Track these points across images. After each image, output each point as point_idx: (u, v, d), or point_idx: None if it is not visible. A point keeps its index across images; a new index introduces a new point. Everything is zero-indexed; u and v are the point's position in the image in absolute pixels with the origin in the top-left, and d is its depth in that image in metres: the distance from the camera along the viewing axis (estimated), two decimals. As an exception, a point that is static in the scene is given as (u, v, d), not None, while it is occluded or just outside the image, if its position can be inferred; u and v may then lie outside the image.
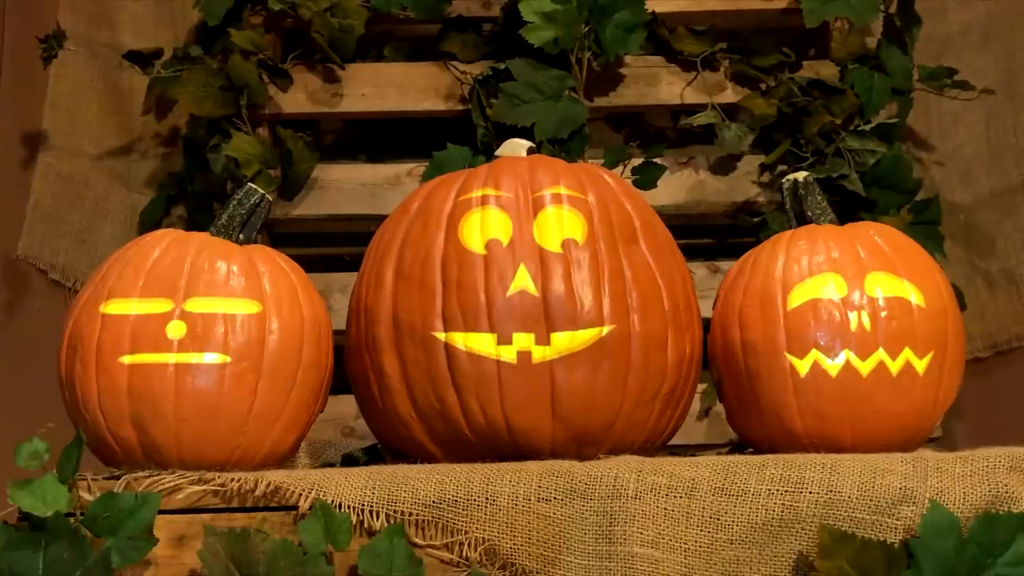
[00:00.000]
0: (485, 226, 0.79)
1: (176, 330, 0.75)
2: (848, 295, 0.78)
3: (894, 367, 0.77)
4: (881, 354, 0.76)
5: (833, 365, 0.77)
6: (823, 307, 0.78)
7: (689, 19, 1.14)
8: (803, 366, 0.76)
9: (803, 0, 1.09)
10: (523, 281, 0.76)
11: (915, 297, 0.79)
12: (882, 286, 0.79)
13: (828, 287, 0.78)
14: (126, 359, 0.75)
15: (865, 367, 0.77)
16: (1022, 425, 1.14)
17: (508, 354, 0.75)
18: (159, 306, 0.76)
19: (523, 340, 0.76)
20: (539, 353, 0.75)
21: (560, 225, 0.79)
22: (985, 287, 1.19)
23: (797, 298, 0.78)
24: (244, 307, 0.76)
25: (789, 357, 0.76)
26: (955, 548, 0.67)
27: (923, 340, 0.78)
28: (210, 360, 0.75)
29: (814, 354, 0.76)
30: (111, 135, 1.23)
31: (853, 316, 0.77)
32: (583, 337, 0.76)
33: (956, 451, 0.73)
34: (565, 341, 0.76)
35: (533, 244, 0.78)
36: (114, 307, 0.76)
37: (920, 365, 0.77)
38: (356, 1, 1.11)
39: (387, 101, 1.13)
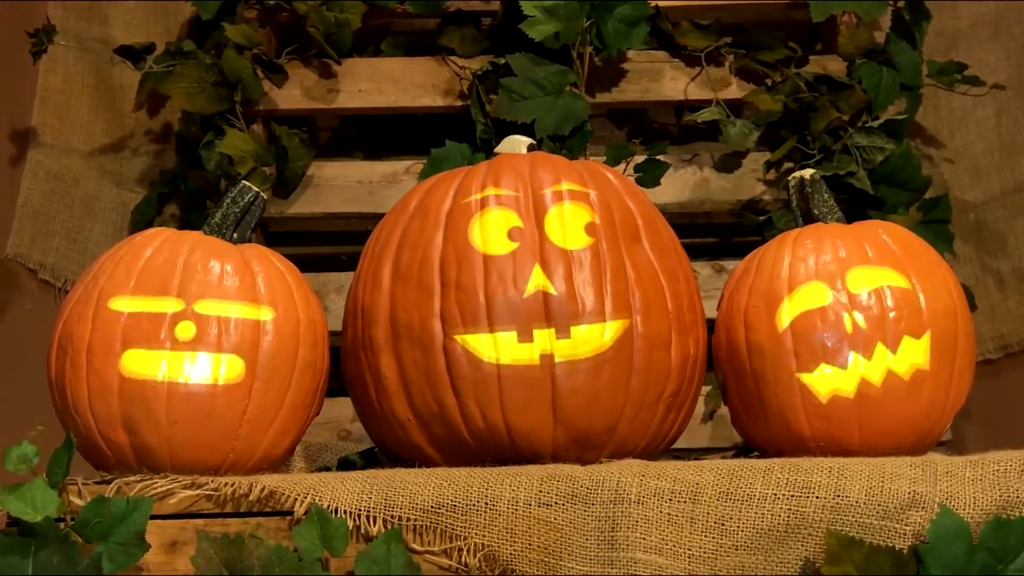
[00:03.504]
0: (493, 226, 0.78)
1: (164, 331, 0.73)
2: (849, 297, 0.77)
3: (900, 364, 0.75)
4: (884, 352, 0.75)
5: (842, 372, 0.75)
6: (824, 315, 0.76)
7: (693, 13, 1.13)
8: (816, 381, 0.75)
9: (810, -6, 1.09)
10: (539, 280, 0.75)
11: (922, 302, 0.77)
12: (887, 280, 0.77)
13: (822, 294, 0.77)
14: (118, 361, 0.74)
15: (873, 368, 0.75)
16: (1033, 428, 1.14)
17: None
18: (153, 305, 0.74)
19: (544, 339, 0.74)
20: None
21: (563, 223, 0.78)
22: (996, 287, 1.18)
23: (794, 309, 0.76)
24: (246, 312, 0.74)
25: (801, 376, 0.75)
26: (965, 554, 0.67)
27: (930, 329, 0.77)
28: (203, 363, 0.73)
29: (824, 367, 0.75)
30: (102, 132, 1.22)
31: (858, 317, 0.76)
32: (589, 337, 0.74)
33: (966, 455, 0.73)
34: (573, 343, 0.75)
35: (538, 244, 0.77)
36: (106, 301, 0.74)
37: (923, 353, 0.75)
38: (353, -5, 1.10)
39: (384, 97, 1.12)
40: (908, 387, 0.75)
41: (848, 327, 0.75)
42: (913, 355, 0.76)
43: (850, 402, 0.75)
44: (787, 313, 0.76)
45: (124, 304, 0.74)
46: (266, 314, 0.76)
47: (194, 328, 0.74)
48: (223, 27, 1.09)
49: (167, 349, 0.73)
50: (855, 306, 0.76)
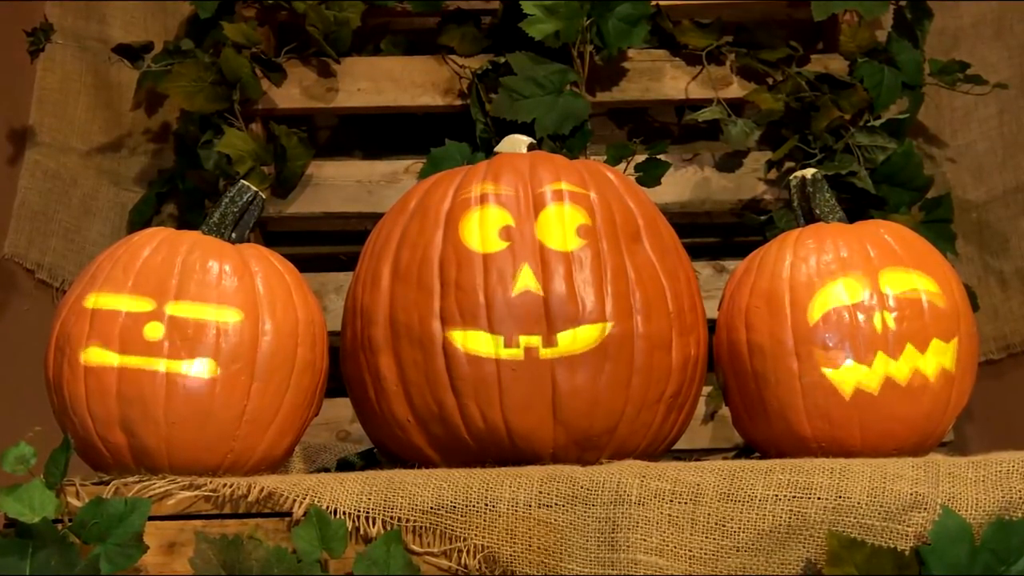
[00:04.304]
0: (486, 224, 0.77)
1: (162, 331, 0.72)
2: (862, 297, 0.77)
3: (926, 363, 0.75)
4: (911, 350, 0.75)
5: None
6: (841, 314, 0.76)
7: (694, 12, 1.13)
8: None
9: (811, -8, 1.09)
10: (527, 281, 0.74)
11: (928, 286, 0.77)
12: (894, 283, 0.77)
13: (840, 292, 0.77)
14: (115, 361, 0.73)
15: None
16: (1036, 429, 1.14)
17: (516, 353, 0.73)
18: (149, 305, 0.74)
19: (529, 343, 0.74)
20: (545, 354, 0.74)
21: (561, 224, 0.77)
22: (998, 287, 1.18)
23: (818, 310, 0.76)
24: (228, 315, 0.74)
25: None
26: (967, 555, 0.66)
27: (945, 330, 0.77)
28: (201, 363, 0.73)
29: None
30: (100, 131, 1.21)
31: (876, 318, 0.75)
32: (585, 337, 0.74)
33: (968, 455, 0.73)
34: (567, 342, 0.75)
35: (535, 243, 0.77)
36: (104, 301, 0.74)
37: (948, 356, 0.75)
38: (352, -7, 1.10)
39: (383, 96, 1.11)
40: (934, 385, 0.75)
41: (878, 327, 0.74)
42: (942, 358, 0.75)
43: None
44: (818, 307, 0.75)
45: (123, 300, 0.74)
46: (264, 314, 0.75)
47: (193, 329, 0.73)
48: (222, 26, 1.08)
49: (165, 350, 0.73)
50: (886, 307, 0.75)
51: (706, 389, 1.04)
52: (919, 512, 0.68)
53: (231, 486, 0.71)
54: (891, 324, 0.76)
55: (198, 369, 0.73)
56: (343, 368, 0.84)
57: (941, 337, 0.77)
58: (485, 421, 0.75)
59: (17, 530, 0.68)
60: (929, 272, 0.79)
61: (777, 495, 0.68)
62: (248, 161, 1.07)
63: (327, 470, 0.95)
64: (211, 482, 0.71)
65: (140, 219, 1.18)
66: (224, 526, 0.70)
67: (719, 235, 1.16)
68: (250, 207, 0.82)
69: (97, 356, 0.73)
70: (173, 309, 0.74)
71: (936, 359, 0.76)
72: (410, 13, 1.13)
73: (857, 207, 1.06)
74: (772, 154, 1.10)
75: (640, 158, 1.07)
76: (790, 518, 0.68)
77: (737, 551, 0.68)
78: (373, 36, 1.17)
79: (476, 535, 0.69)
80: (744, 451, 0.95)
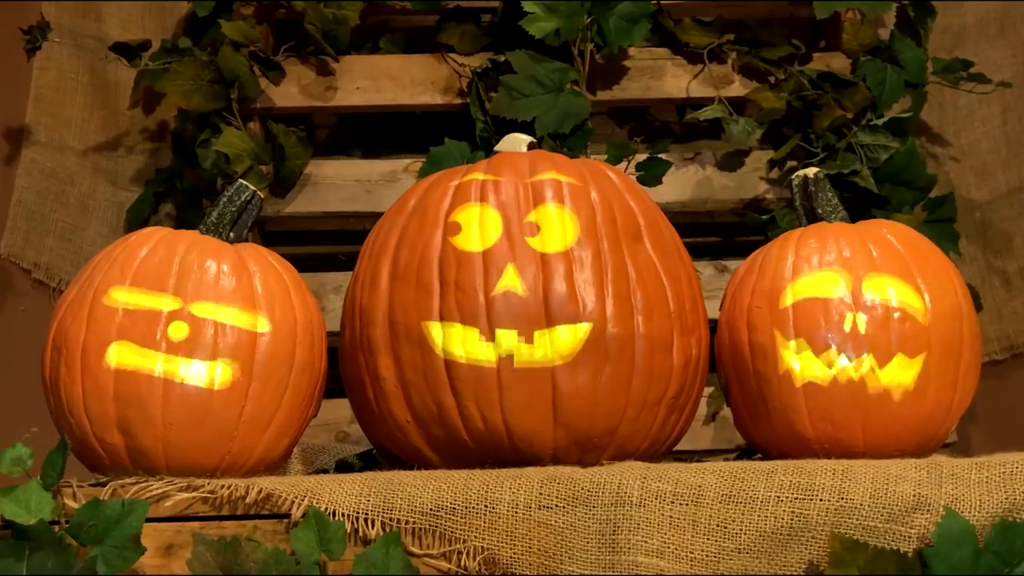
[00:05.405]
0: (485, 222, 0.77)
1: (179, 331, 0.73)
2: (857, 296, 0.76)
3: (905, 374, 0.75)
4: (899, 358, 0.75)
5: (841, 368, 0.74)
6: (830, 306, 0.76)
7: (695, 10, 1.13)
8: (798, 361, 0.74)
9: (814, -9, 1.09)
10: (509, 280, 0.74)
11: (927, 303, 0.77)
12: (895, 289, 0.77)
13: (837, 287, 0.76)
14: (112, 362, 0.73)
15: (882, 372, 0.75)
16: (1039, 429, 1.13)
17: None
18: (149, 300, 0.74)
19: (507, 338, 0.73)
20: (524, 353, 0.73)
21: (562, 223, 0.77)
22: (1002, 287, 1.18)
23: (801, 292, 0.76)
24: (241, 317, 0.74)
25: (785, 353, 0.74)
26: (971, 557, 0.66)
27: (936, 348, 0.77)
28: (199, 363, 0.72)
29: (808, 354, 0.75)
30: (97, 130, 1.21)
31: (861, 318, 0.75)
32: (582, 334, 0.73)
33: (972, 456, 0.73)
34: (567, 343, 0.74)
35: (538, 244, 0.77)
36: (111, 295, 0.73)
37: (913, 368, 0.75)
38: (351, -9, 1.09)
39: (383, 95, 1.11)
40: (913, 388, 0.75)
41: (847, 326, 0.75)
42: (901, 374, 0.75)
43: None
44: (791, 295, 0.76)
45: (121, 296, 0.73)
46: (263, 318, 0.75)
47: (188, 329, 0.73)
48: (219, 24, 1.08)
49: (162, 351, 0.73)
50: (861, 308, 0.75)
51: (707, 390, 1.04)
52: (922, 514, 0.67)
53: (229, 487, 0.71)
54: (866, 327, 0.75)
55: (196, 370, 0.72)
56: (342, 369, 0.83)
57: (937, 350, 0.76)
58: (485, 422, 0.75)
59: (13, 532, 0.68)
60: (931, 274, 0.78)
61: (779, 496, 0.68)
62: (246, 160, 1.07)
63: (326, 471, 0.94)
64: (209, 483, 0.71)
65: (137, 218, 1.18)
66: (222, 528, 0.70)
67: (721, 235, 1.15)
68: (248, 206, 0.82)
69: (95, 357, 0.73)
70: (172, 307, 0.74)
71: (901, 376, 0.75)
72: (409, 11, 1.13)
73: (860, 206, 1.06)
74: (774, 153, 1.10)
75: (641, 157, 1.07)
76: (792, 520, 0.68)
77: (739, 553, 0.68)
78: (372, 34, 1.17)
79: (476, 537, 0.68)
80: (746, 452, 0.95)
